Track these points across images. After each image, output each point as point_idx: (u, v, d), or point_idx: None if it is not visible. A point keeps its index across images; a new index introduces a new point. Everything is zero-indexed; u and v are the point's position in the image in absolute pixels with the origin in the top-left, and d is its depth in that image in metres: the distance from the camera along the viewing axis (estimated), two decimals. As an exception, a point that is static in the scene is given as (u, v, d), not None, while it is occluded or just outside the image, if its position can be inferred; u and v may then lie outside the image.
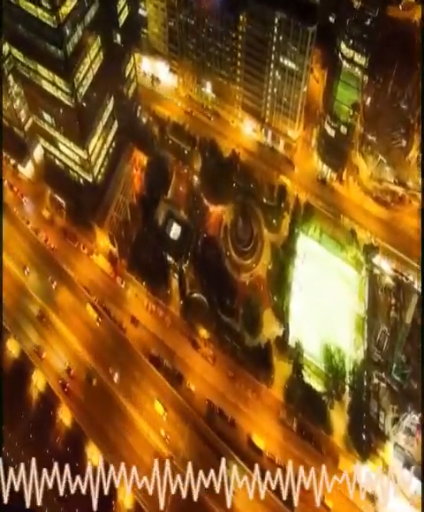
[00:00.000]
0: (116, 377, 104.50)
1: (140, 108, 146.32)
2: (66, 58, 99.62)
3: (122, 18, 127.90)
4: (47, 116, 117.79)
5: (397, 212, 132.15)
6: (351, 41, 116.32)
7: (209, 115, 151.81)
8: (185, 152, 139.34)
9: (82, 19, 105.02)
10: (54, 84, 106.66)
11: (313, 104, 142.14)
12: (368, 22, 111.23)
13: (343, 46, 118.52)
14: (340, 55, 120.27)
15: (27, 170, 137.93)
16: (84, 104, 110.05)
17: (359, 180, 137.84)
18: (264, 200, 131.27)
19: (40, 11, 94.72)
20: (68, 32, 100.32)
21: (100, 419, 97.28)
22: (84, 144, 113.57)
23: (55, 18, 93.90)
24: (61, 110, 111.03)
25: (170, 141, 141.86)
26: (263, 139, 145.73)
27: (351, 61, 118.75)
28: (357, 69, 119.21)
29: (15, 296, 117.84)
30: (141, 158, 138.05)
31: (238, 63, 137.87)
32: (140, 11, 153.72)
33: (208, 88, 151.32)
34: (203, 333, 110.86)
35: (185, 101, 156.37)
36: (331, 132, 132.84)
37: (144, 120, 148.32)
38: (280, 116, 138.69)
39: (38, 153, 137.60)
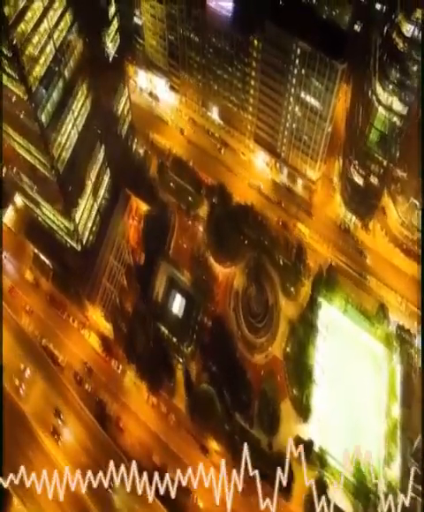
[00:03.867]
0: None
1: (136, 140, 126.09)
2: (43, 131, 79.95)
3: (112, 51, 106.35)
4: (25, 178, 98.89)
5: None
6: (391, 87, 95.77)
7: (217, 144, 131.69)
8: (190, 198, 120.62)
9: (63, 71, 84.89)
10: (30, 152, 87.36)
11: (335, 132, 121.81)
12: (415, 68, 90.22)
13: (379, 90, 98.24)
14: (375, 98, 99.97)
15: (8, 218, 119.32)
16: (67, 170, 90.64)
17: (388, 228, 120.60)
18: (280, 260, 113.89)
19: (5, 76, 74.50)
20: (45, 93, 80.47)
21: None
22: (69, 214, 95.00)
23: (24, 87, 73.70)
24: (40, 179, 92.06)
25: (172, 183, 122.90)
26: (278, 176, 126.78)
27: (389, 109, 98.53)
28: (395, 118, 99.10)
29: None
30: (139, 205, 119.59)
31: (251, 90, 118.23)
32: (136, 20, 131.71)
33: (214, 113, 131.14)
34: (213, 443, 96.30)
35: (188, 125, 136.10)
36: (359, 181, 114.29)
37: (141, 152, 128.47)
38: (299, 153, 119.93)
39: (20, 199, 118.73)
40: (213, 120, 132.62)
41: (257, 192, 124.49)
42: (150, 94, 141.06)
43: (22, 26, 70.16)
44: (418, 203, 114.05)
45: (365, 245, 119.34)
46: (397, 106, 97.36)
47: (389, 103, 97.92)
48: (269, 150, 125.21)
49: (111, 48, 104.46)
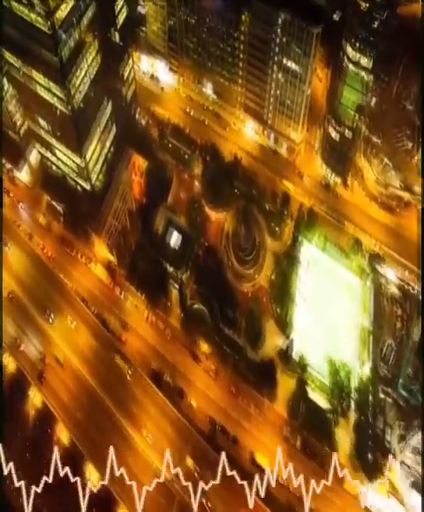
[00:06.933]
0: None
1: (138, 109, 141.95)
2: (62, 64, 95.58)
3: (120, 18, 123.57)
4: (42, 122, 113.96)
5: (402, 218, 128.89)
6: (357, 44, 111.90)
7: (210, 116, 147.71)
8: (186, 156, 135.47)
9: (79, 22, 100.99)
10: (49, 90, 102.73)
11: (316, 105, 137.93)
12: (376, 24, 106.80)
13: (349, 49, 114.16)
14: (345, 57, 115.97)
15: (24, 175, 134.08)
16: (81, 110, 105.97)
17: (364, 185, 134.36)
18: (267, 207, 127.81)
19: (33, 15, 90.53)
20: (64, 36, 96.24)
21: (98, 440, 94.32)
22: (81, 151, 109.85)
23: (49, 23, 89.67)
24: (57, 117, 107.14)
25: (170, 145, 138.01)
26: (266, 141, 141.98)
27: (357, 64, 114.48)
28: (363, 73, 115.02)
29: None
30: (141, 163, 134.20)
31: (240, 63, 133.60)
32: (139, 9, 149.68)
33: (208, 89, 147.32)
34: (205, 347, 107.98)
35: (186, 101, 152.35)
36: (336, 137, 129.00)
37: (143, 122, 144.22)
38: (283, 118, 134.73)
39: (34, 157, 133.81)
40: (207, 96, 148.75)
41: (246, 154, 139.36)
42: (151, 76, 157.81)
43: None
44: (390, 164, 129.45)
45: (343, 198, 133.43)
46: (364, 61, 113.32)
47: (357, 59, 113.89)
48: (257, 118, 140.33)
49: (120, 18, 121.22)
